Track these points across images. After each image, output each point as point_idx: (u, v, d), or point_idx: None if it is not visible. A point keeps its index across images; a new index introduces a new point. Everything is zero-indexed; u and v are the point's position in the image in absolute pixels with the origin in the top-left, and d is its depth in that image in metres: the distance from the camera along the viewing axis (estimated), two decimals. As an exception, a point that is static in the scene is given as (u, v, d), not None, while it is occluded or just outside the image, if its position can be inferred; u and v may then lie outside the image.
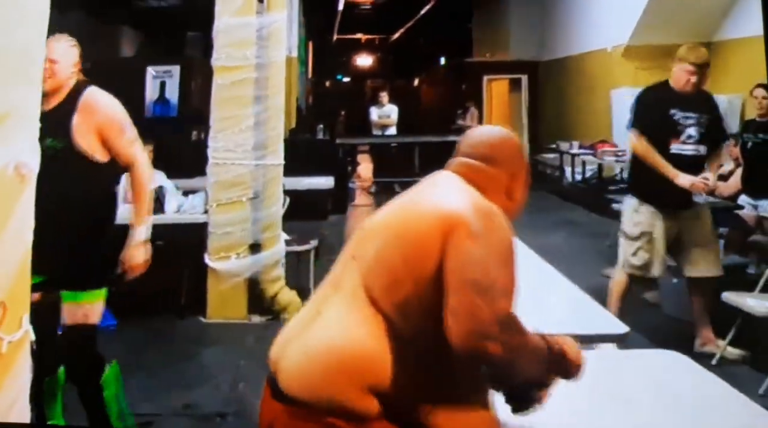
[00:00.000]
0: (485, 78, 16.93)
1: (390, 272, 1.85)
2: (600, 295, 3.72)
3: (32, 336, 2.19)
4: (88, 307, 3.30)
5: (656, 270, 4.87)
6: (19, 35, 2.09)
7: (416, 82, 25.17)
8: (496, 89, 17.37)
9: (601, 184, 9.82)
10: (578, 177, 11.64)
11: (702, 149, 4.71)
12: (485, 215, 1.86)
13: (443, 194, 1.96)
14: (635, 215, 4.90)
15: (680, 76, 4.68)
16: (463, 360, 1.75)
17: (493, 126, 2.32)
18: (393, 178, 13.12)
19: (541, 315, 3.14)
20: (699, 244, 4.84)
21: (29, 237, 2.15)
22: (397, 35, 24.00)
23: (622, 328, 3.10)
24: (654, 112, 4.79)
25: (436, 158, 9.80)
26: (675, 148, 4.70)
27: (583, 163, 11.30)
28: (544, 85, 15.59)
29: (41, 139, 2.17)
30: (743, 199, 6.29)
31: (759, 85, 6.29)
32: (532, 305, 3.32)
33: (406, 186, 8.74)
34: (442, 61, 22.60)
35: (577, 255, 7.37)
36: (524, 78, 16.25)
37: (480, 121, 15.96)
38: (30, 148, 2.13)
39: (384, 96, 13.92)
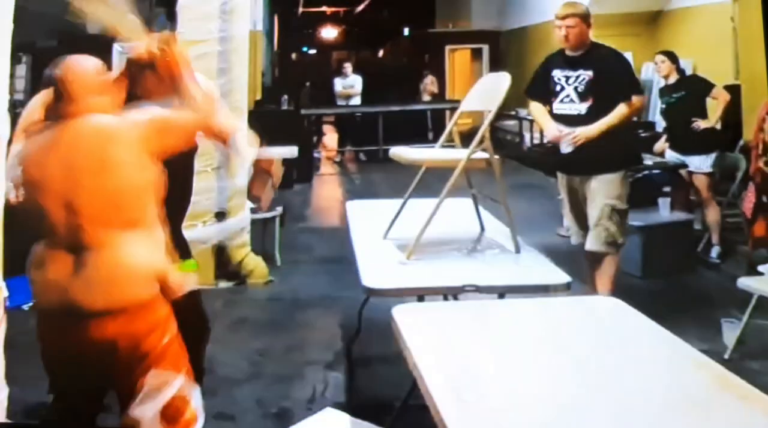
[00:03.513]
0: (447, 48, 17.08)
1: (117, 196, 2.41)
2: (554, 252, 3.91)
3: (5, 293, 2.31)
4: None
5: (573, 238, 4.84)
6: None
7: (381, 53, 25.24)
8: (458, 59, 17.50)
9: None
10: (535, 142, 11.90)
11: (583, 108, 4.48)
12: None
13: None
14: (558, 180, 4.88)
15: (557, 36, 4.62)
16: None
17: None
18: (358, 148, 13.33)
19: (495, 267, 3.44)
20: (591, 215, 4.57)
21: (1, 200, 2.28)
22: (361, 7, 23.95)
23: (564, 278, 3.32)
24: (541, 76, 4.76)
25: (400, 127, 10.06)
26: (554, 108, 4.63)
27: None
28: (505, 54, 15.74)
29: None
30: (671, 155, 6.64)
31: (659, 52, 6.66)
32: (488, 258, 3.61)
33: (370, 154, 9.09)
34: (406, 32, 22.66)
35: (535, 216, 7.62)
36: (485, 47, 16.41)
37: (440, 88, 16.14)
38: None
39: (348, 67, 13.98)
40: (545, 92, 4.67)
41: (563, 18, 4.54)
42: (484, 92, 4.16)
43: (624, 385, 2.12)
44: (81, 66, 2.50)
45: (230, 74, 5.93)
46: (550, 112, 4.66)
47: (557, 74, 4.60)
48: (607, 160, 4.52)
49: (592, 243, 4.54)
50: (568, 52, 4.61)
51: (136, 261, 2.42)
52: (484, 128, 3.74)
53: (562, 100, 4.58)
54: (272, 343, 4.75)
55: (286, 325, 5.09)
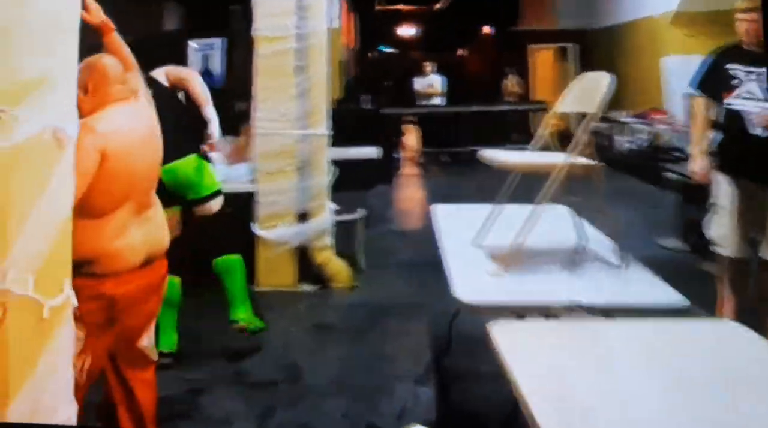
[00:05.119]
0: (530, 47, 16.79)
1: None
2: (656, 266, 3.65)
3: (74, 302, 2.19)
4: None
5: (728, 249, 4.39)
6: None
7: (461, 51, 25.00)
8: (541, 59, 17.19)
9: (654, 153, 9.65)
10: (628, 146, 11.50)
11: None
12: None
13: None
14: (714, 183, 4.52)
15: (738, 28, 4.43)
16: None
17: None
18: (439, 148, 13.11)
19: (601, 284, 3.20)
20: None
21: (69, 201, 2.15)
22: (439, 5, 23.78)
23: (681, 300, 3.09)
24: (711, 68, 4.55)
25: (483, 127, 9.77)
26: (728, 102, 4.40)
27: (633, 132, 11.17)
28: (593, 53, 15.29)
29: None
30: None
31: None
32: (592, 273, 3.37)
33: (452, 156, 8.83)
34: (487, 30, 22.38)
35: (631, 225, 7.24)
36: (571, 47, 16.03)
37: (524, 87, 15.85)
38: (67, 113, 2.12)
39: (427, 65, 13.81)
40: (713, 85, 4.49)
41: (745, 11, 4.39)
42: (582, 93, 3.95)
43: (743, 419, 1.97)
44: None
45: (308, 72, 5.83)
46: (720, 106, 4.50)
47: (734, 68, 4.40)
48: None
49: None
50: (747, 47, 4.42)
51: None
52: (583, 131, 3.51)
53: (739, 95, 4.37)
54: (358, 352, 4.61)
55: (372, 333, 4.92)
